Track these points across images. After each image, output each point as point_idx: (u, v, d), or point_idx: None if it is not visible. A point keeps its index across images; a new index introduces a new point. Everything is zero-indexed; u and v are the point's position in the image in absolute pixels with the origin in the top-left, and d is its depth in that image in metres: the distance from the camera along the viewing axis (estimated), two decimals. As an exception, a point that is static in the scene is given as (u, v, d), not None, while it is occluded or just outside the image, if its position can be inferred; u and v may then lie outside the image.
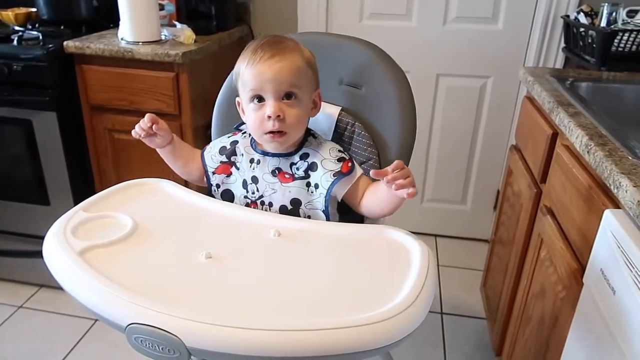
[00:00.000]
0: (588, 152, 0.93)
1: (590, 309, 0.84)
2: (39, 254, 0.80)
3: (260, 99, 0.89)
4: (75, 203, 0.97)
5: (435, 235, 2.29)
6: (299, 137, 0.95)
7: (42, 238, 0.80)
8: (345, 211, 1.00)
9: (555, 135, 1.17)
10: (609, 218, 0.79)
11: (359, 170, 0.97)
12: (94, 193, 0.94)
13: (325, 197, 0.93)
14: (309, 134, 0.99)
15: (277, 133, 0.89)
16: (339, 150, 0.97)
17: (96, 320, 1.70)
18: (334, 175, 0.93)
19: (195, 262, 0.76)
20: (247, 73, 0.88)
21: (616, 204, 0.83)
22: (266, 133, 0.90)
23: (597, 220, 0.84)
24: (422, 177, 2.20)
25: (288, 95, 0.88)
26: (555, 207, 1.11)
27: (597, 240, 0.83)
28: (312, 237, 0.85)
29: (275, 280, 0.74)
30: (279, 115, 0.87)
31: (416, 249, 0.81)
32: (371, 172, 0.80)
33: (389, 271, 0.77)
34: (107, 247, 0.78)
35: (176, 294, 0.69)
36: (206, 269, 0.75)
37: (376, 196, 0.93)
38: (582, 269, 0.90)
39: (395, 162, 0.80)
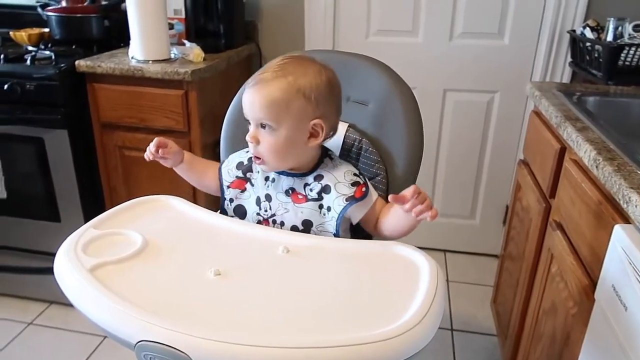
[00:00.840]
0: (597, 166, 0.93)
1: (603, 326, 0.83)
2: (49, 271, 0.80)
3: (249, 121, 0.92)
4: (86, 219, 0.98)
5: (444, 251, 2.27)
6: (285, 165, 0.94)
7: (53, 254, 0.81)
8: (356, 229, 1.00)
9: (563, 149, 1.16)
10: (619, 233, 0.79)
11: (374, 195, 0.97)
12: (104, 210, 0.95)
13: (337, 220, 0.92)
14: (325, 154, 0.98)
15: (257, 157, 0.93)
16: (354, 174, 0.96)
17: (105, 337, 1.70)
18: (346, 200, 0.92)
19: (204, 278, 0.76)
20: (243, 95, 0.92)
21: (626, 219, 0.83)
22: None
23: (608, 236, 0.83)
24: (430, 192, 2.20)
25: (263, 125, 0.89)
26: (564, 222, 1.10)
27: (607, 255, 0.83)
28: (320, 254, 0.85)
29: (284, 297, 0.74)
30: (253, 142, 0.91)
31: (425, 265, 0.81)
32: (390, 198, 0.81)
33: (397, 288, 0.77)
34: (117, 264, 0.78)
35: (185, 311, 0.70)
36: (215, 286, 0.75)
37: (393, 220, 0.92)
38: (593, 284, 0.89)
39: (412, 188, 0.80)
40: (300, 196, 0.95)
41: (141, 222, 0.91)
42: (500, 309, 1.61)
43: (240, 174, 1.01)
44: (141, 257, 0.81)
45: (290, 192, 0.95)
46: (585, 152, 0.99)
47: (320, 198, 0.94)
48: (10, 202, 1.74)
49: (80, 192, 1.72)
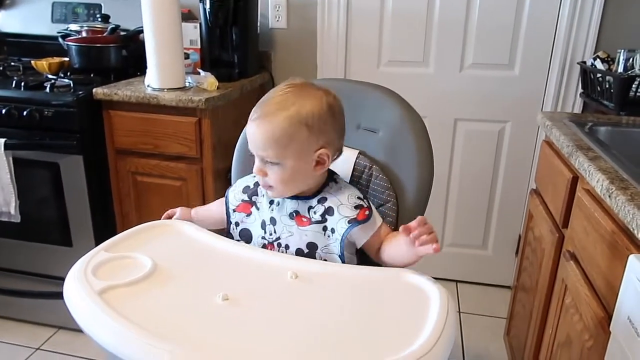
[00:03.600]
0: (609, 196, 0.92)
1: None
2: (58, 295, 0.81)
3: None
4: (97, 244, 0.99)
5: (456, 281, 2.24)
6: (295, 191, 0.94)
7: (63, 279, 0.81)
8: (364, 253, 0.99)
9: (575, 179, 1.16)
10: (634, 264, 0.77)
11: (378, 219, 0.97)
12: (116, 235, 0.95)
13: (341, 242, 0.92)
14: (331, 178, 0.99)
15: (266, 186, 0.94)
16: (358, 197, 0.96)
17: (112, 363, 1.68)
18: (348, 222, 0.92)
19: (212, 303, 0.76)
20: (246, 127, 0.93)
21: (641, 249, 0.81)
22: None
23: (622, 266, 0.82)
24: (441, 221, 2.18)
25: (267, 160, 0.90)
26: (578, 252, 1.08)
27: (622, 287, 0.81)
28: (330, 280, 0.85)
29: (292, 323, 0.74)
30: (260, 175, 0.92)
31: (435, 293, 0.80)
32: (400, 228, 0.82)
33: (406, 316, 0.76)
34: (126, 287, 0.78)
35: (192, 335, 0.69)
36: (223, 311, 0.75)
37: (393, 248, 0.93)
38: (609, 317, 0.87)
39: (418, 218, 0.81)
40: (304, 219, 0.95)
41: (151, 246, 0.92)
42: (514, 341, 1.57)
43: (246, 197, 1.01)
44: (150, 281, 0.81)
45: (295, 215, 0.96)
46: (597, 181, 0.98)
47: (324, 220, 0.94)
48: (23, 226, 1.76)
49: (92, 217, 1.73)
